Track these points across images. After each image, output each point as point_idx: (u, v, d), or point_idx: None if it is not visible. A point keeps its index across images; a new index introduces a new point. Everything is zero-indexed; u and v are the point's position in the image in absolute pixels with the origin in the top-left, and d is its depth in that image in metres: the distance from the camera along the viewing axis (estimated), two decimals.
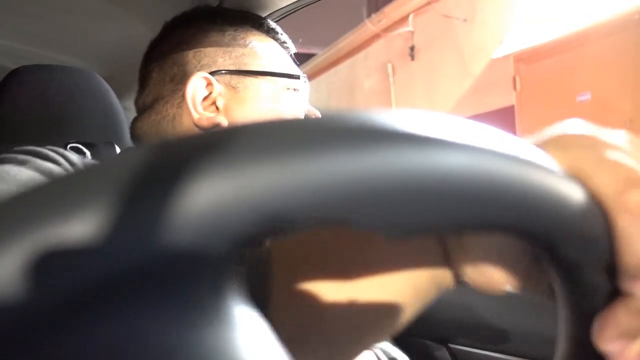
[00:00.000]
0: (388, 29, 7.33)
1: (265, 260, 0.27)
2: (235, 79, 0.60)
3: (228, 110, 0.58)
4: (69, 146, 0.53)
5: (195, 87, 0.58)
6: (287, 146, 0.13)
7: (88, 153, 0.53)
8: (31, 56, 0.96)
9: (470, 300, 0.84)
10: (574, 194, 0.17)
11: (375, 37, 7.67)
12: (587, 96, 4.67)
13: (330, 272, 0.26)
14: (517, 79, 5.40)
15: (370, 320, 0.27)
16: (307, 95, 0.65)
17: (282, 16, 0.82)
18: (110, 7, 0.84)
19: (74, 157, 0.48)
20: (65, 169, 0.46)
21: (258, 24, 0.65)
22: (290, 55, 0.67)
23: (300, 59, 0.70)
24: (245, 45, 0.62)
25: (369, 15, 7.93)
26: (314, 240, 0.27)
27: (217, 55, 0.60)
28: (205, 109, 0.58)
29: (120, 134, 0.82)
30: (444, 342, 0.87)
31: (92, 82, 0.84)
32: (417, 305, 0.27)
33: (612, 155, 0.19)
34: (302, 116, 0.64)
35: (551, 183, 0.16)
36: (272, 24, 0.66)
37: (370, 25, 7.59)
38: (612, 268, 0.18)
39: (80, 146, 0.54)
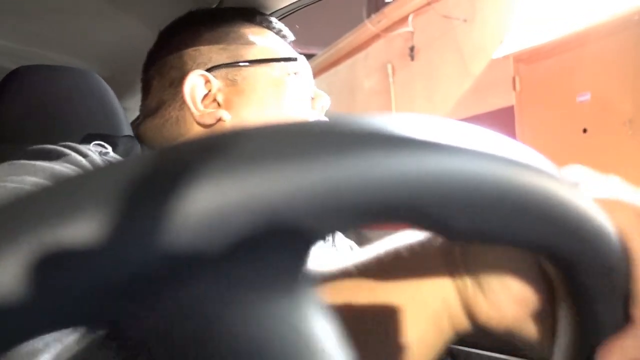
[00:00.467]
0: (388, 29, 7.33)
1: None
2: (232, 72, 0.59)
3: (229, 103, 0.58)
4: (93, 143, 0.53)
5: (193, 85, 0.58)
6: (292, 149, 0.13)
7: (110, 149, 0.53)
8: (31, 56, 0.96)
9: None
10: (605, 224, 0.18)
11: (375, 37, 7.66)
12: (587, 96, 4.67)
13: (349, 315, 0.26)
14: (517, 79, 5.39)
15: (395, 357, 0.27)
16: (311, 78, 0.64)
17: (282, 16, 0.82)
18: (111, 7, 0.84)
19: (94, 155, 0.48)
20: (85, 169, 0.45)
21: (249, 17, 0.64)
22: (290, 43, 0.66)
23: None
24: (238, 38, 0.61)
25: (368, 15, 7.92)
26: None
27: (211, 52, 0.60)
28: (206, 107, 0.58)
29: (120, 134, 0.82)
30: None
31: (92, 83, 0.84)
32: (438, 345, 0.27)
33: (628, 196, 0.21)
34: (308, 100, 0.63)
35: (591, 211, 0.17)
36: (265, 15, 0.66)
37: (370, 26, 7.59)
38: (625, 298, 0.19)
39: (103, 143, 0.54)
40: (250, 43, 0.61)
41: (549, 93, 5.04)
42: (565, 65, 4.85)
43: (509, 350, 0.80)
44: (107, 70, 1.03)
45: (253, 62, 0.60)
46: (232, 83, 0.59)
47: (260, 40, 0.62)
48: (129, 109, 1.09)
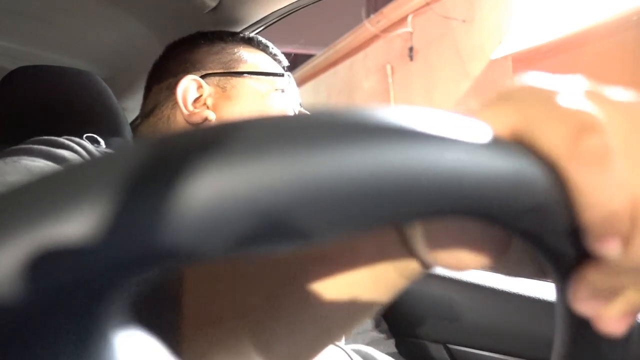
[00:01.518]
0: (387, 30, 7.33)
1: (177, 281, 0.26)
2: (223, 81, 0.67)
3: (216, 107, 0.65)
4: (85, 136, 0.57)
5: (186, 88, 0.65)
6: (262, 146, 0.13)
7: (102, 142, 0.58)
8: (31, 57, 0.96)
9: (470, 301, 0.84)
10: (508, 164, 0.15)
11: (374, 37, 7.67)
12: None
13: (287, 272, 0.26)
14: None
15: (333, 316, 0.26)
16: (297, 97, 0.71)
17: (282, 16, 0.82)
18: (110, 9, 0.84)
19: (90, 146, 0.52)
20: (83, 157, 0.48)
21: (247, 39, 0.72)
22: (283, 67, 0.73)
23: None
24: (233, 54, 0.69)
25: (367, 16, 7.92)
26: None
27: (207, 61, 0.68)
28: (196, 108, 0.65)
29: (119, 135, 0.82)
30: (442, 342, 0.87)
31: (91, 83, 0.83)
32: (382, 294, 0.26)
33: (564, 102, 0.17)
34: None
35: (476, 158, 0.15)
36: (262, 40, 0.73)
37: (369, 26, 7.59)
38: (577, 230, 0.16)
39: (95, 136, 0.58)
40: (243, 58, 0.69)
41: None
42: (565, 66, 4.85)
43: (508, 351, 0.80)
44: (106, 70, 1.03)
45: (242, 73, 0.67)
46: (221, 90, 0.66)
47: (253, 58, 0.70)
48: (128, 109, 1.09)
